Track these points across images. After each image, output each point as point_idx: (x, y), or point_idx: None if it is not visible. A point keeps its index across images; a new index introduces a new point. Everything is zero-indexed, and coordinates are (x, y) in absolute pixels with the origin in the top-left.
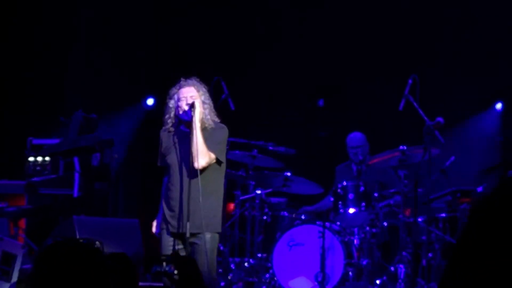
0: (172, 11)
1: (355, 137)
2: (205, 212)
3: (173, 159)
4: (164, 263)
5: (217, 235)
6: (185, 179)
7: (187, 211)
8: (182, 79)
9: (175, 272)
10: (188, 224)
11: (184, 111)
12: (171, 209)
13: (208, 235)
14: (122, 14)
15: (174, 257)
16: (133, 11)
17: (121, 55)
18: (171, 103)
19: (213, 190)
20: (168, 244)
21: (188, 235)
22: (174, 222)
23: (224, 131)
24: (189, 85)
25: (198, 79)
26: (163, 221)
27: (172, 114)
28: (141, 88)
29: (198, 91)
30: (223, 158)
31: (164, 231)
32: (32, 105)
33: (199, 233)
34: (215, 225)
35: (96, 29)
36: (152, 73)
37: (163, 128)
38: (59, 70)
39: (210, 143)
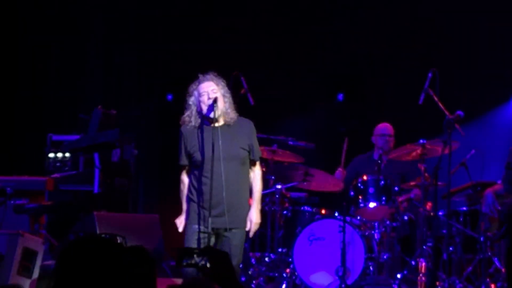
0: (188, 6)
1: (388, 126)
2: (242, 207)
3: (203, 156)
4: (195, 256)
5: (245, 231)
6: (219, 176)
7: (225, 206)
8: (200, 74)
9: (208, 265)
10: (227, 219)
11: (208, 107)
12: (205, 206)
13: (243, 230)
14: (140, 8)
15: (208, 251)
16: (150, 6)
17: (139, 51)
18: (191, 100)
19: (245, 185)
20: (194, 240)
21: (227, 230)
22: (208, 219)
23: (254, 129)
24: (207, 79)
25: (215, 74)
26: (192, 219)
27: (193, 111)
28: (160, 83)
29: (217, 85)
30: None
31: (191, 227)
32: (51, 101)
33: (233, 228)
34: (247, 220)
35: (114, 24)
36: (171, 69)
37: (184, 125)
38: (78, 66)
39: (240, 142)
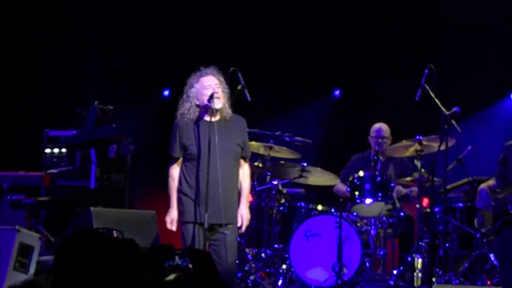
0: (186, 3)
1: (382, 127)
2: (235, 202)
3: (199, 149)
4: (177, 257)
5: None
6: (215, 171)
7: (221, 202)
8: (201, 68)
9: (190, 266)
10: (223, 214)
11: (210, 98)
12: (201, 202)
13: (235, 226)
14: (137, 4)
15: (189, 251)
16: (148, 3)
17: (136, 46)
18: (191, 92)
19: (237, 180)
20: (190, 235)
21: (222, 226)
22: (204, 214)
23: (246, 127)
24: (210, 73)
25: (216, 68)
26: (187, 214)
27: (193, 103)
28: (157, 79)
29: (218, 80)
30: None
31: (188, 226)
32: (48, 97)
33: (227, 224)
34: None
35: (111, 19)
36: (168, 64)
37: (180, 118)
38: (75, 62)
39: (236, 138)
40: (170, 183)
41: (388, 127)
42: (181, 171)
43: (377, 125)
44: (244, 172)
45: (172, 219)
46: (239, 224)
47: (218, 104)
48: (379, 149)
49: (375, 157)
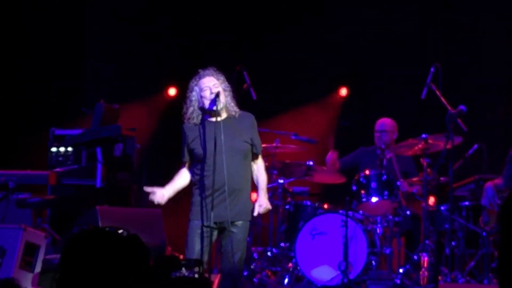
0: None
1: (383, 122)
2: (244, 200)
3: (205, 150)
4: (184, 268)
5: (248, 223)
6: (221, 169)
7: (227, 200)
8: (200, 70)
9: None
10: (228, 212)
11: (210, 101)
12: (207, 200)
13: (246, 223)
14: (142, 2)
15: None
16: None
17: (142, 45)
18: (193, 96)
19: (247, 178)
20: (197, 235)
21: (230, 224)
22: (210, 213)
23: (255, 123)
24: (208, 75)
25: (215, 68)
26: (194, 214)
27: (195, 107)
28: (163, 77)
29: (218, 79)
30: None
31: (193, 222)
32: (54, 96)
33: (235, 222)
34: (250, 212)
35: (116, 18)
36: (174, 62)
37: (186, 122)
38: (80, 61)
39: (243, 135)
40: (175, 175)
41: (394, 123)
42: (191, 172)
43: (380, 120)
44: (259, 166)
45: (163, 194)
46: (256, 212)
47: (213, 106)
48: (378, 144)
49: (381, 155)
